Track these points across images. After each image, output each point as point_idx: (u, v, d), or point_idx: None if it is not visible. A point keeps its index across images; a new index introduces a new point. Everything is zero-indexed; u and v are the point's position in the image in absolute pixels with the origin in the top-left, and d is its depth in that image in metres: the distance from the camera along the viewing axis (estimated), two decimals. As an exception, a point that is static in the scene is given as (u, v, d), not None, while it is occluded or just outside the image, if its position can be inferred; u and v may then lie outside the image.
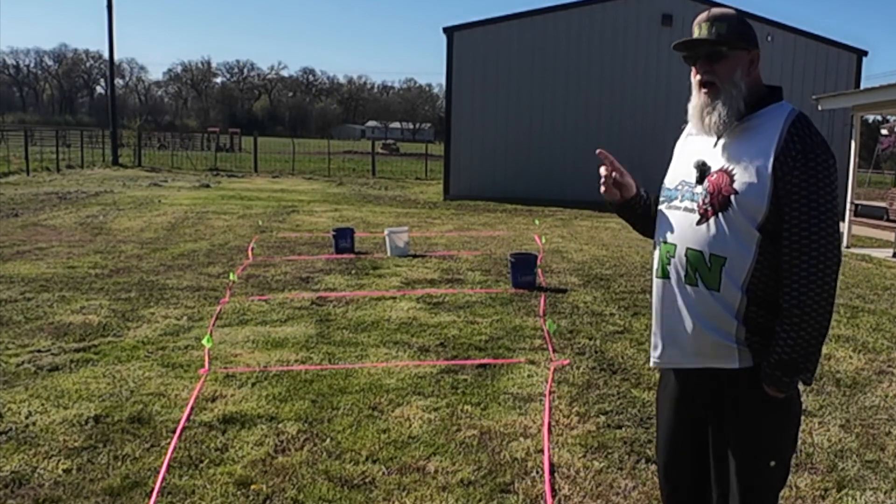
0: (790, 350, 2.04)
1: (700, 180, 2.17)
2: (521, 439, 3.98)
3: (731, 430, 2.17)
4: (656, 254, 2.27)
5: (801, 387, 2.23)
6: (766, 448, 2.16)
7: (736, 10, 2.28)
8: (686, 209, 2.19)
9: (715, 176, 2.14)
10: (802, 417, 4.37)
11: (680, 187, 2.24)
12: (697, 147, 2.24)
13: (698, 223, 2.14)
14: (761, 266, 2.08)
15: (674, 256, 2.19)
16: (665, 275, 2.22)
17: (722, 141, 2.17)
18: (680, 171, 2.27)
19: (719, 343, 2.12)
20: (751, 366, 2.11)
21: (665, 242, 2.22)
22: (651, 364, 2.31)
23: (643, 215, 2.43)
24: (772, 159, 2.04)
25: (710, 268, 2.11)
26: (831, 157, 2.04)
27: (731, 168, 2.11)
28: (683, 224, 2.18)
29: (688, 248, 2.15)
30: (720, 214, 2.09)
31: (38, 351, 5.31)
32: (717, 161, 2.16)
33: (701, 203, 2.14)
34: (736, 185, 2.08)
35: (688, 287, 2.15)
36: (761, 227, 2.06)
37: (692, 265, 2.14)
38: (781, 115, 2.10)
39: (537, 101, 20.28)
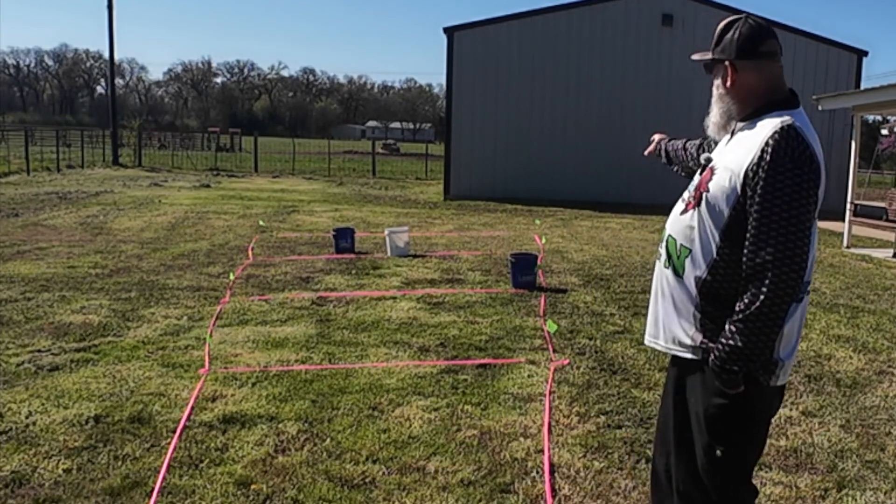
0: (732, 346, 2.08)
1: (701, 173, 2.31)
2: (522, 439, 3.98)
3: (692, 412, 2.31)
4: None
5: (778, 388, 2.25)
6: (714, 436, 2.23)
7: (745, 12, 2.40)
8: (683, 199, 2.34)
9: (705, 172, 2.26)
10: (802, 417, 4.40)
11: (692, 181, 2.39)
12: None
13: (682, 213, 2.29)
14: (717, 267, 2.16)
15: (664, 241, 2.37)
16: (659, 258, 2.40)
17: (727, 140, 2.30)
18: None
19: (682, 328, 2.25)
20: (704, 358, 2.22)
21: (664, 229, 2.40)
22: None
23: (672, 160, 2.91)
24: (745, 169, 2.10)
25: (679, 256, 2.25)
26: (797, 169, 2.04)
27: (716, 167, 2.22)
28: (675, 212, 2.35)
29: (669, 235, 2.33)
30: (697, 209, 2.22)
31: (39, 351, 5.31)
32: (715, 159, 2.28)
33: (689, 195, 2.29)
34: (711, 184, 2.19)
35: (666, 270, 2.33)
36: (724, 231, 2.14)
37: (669, 250, 2.32)
38: (767, 126, 2.13)
39: (537, 101, 20.27)
